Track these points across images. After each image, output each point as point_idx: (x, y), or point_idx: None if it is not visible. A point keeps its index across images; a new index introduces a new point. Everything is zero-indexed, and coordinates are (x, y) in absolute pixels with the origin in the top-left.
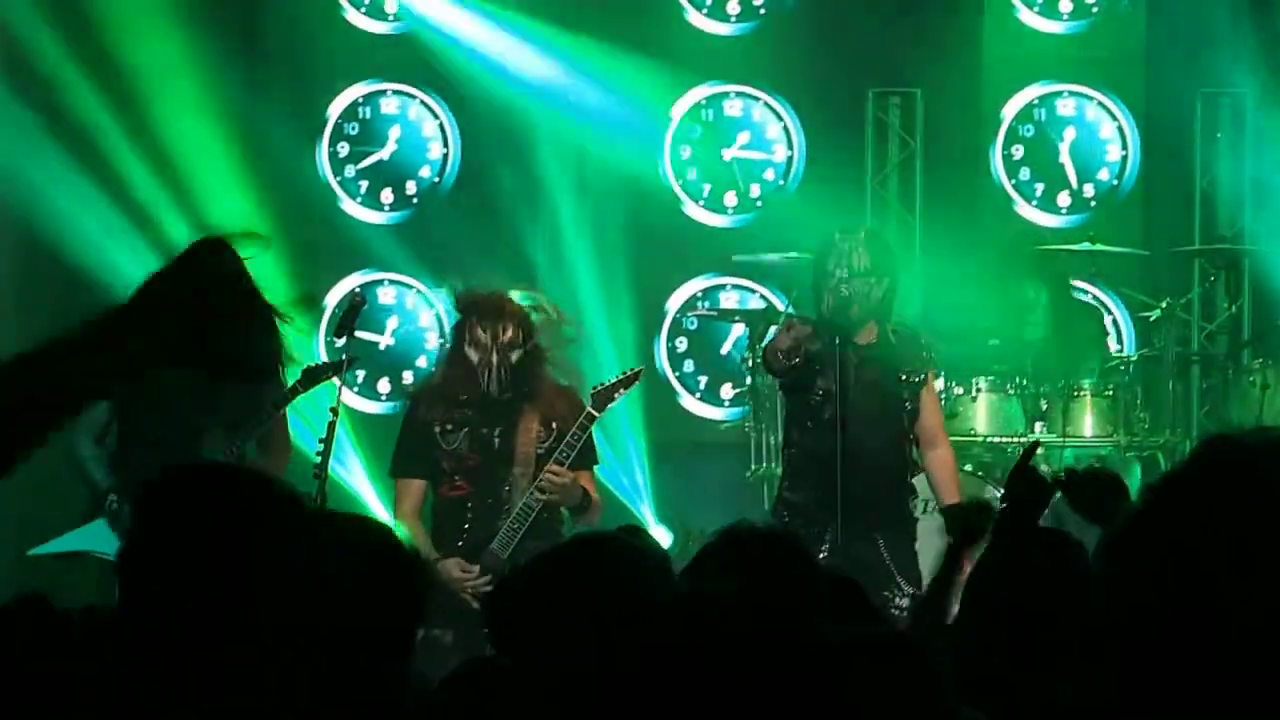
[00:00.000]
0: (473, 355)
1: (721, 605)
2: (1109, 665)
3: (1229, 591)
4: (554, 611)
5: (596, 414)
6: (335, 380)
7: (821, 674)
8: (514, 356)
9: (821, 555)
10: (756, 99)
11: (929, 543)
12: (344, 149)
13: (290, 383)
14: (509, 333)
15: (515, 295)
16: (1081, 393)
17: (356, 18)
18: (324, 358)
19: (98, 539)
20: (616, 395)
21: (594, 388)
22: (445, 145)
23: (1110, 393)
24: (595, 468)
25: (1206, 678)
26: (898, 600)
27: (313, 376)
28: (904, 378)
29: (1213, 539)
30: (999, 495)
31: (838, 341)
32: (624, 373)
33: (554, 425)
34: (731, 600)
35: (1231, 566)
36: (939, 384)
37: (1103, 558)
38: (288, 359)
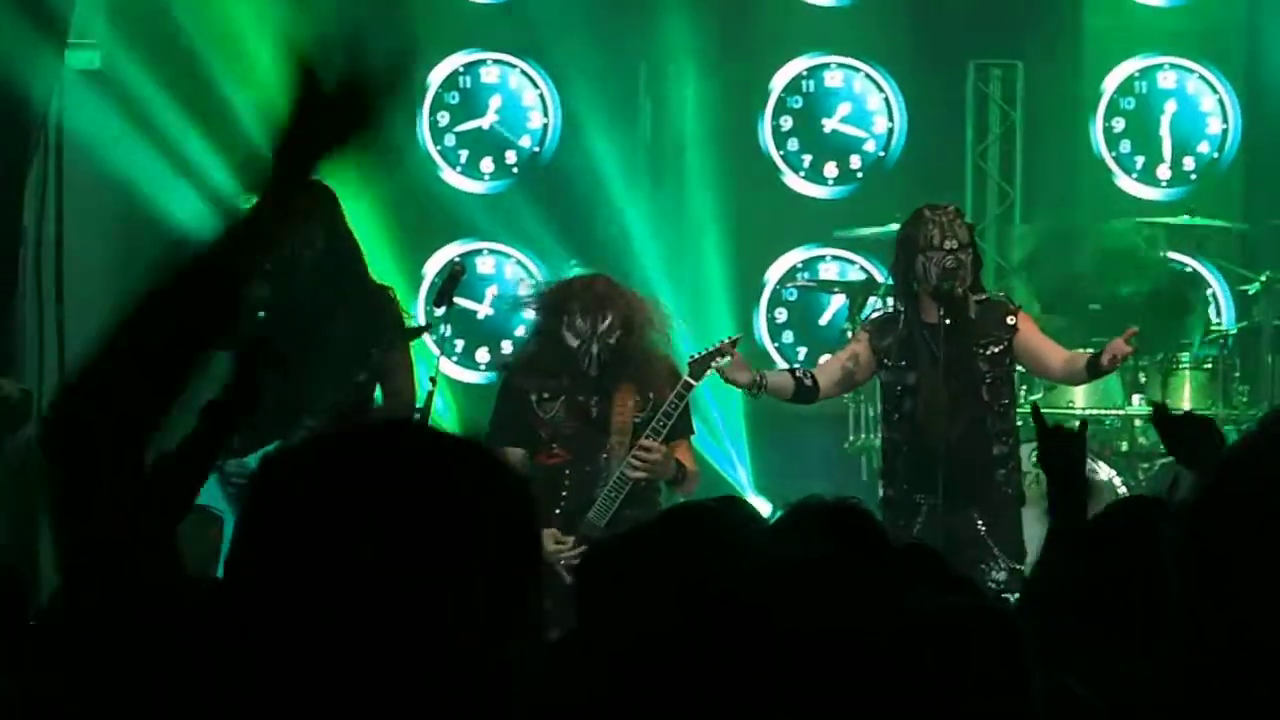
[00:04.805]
0: (571, 341)
1: (798, 572)
2: (1180, 639)
3: None
4: (643, 584)
5: (694, 382)
6: (434, 349)
7: (897, 642)
8: (612, 340)
9: (916, 529)
10: (857, 70)
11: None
12: (444, 118)
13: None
14: (608, 320)
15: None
16: (1180, 366)
17: None
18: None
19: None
20: (714, 363)
21: (691, 356)
22: (545, 115)
23: (1209, 365)
24: (691, 438)
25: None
26: (994, 574)
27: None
28: (980, 349)
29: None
30: (1101, 471)
31: (941, 313)
32: (721, 341)
33: (650, 395)
34: (808, 567)
35: None
36: (1029, 323)
37: (1170, 531)
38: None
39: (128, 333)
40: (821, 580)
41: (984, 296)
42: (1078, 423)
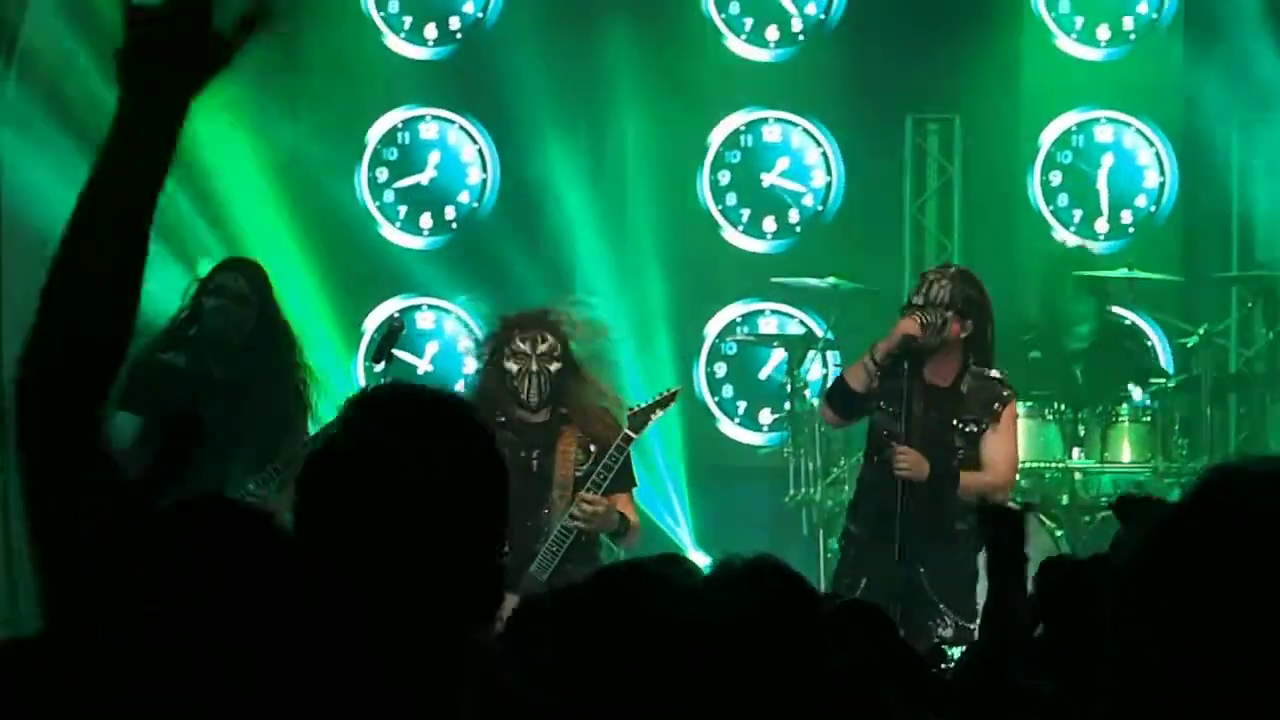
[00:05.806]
0: (511, 366)
1: (717, 633)
2: (1122, 692)
3: (1228, 633)
4: (574, 644)
5: (634, 435)
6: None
7: (814, 697)
8: (553, 368)
9: (862, 584)
10: (795, 125)
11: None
12: (383, 174)
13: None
14: (548, 342)
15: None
16: (1120, 419)
17: (396, 43)
18: (362, 384)
19: None
20: (653, 416)
21: (630, 409)
22: (484, 170)
23: (1148, 419)
24: (633, 490)
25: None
26: (940, 631)
27: None
28: (960, 425)
29: (1209, 579)
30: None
31: (905, 367)
32: (660, 394)
33: (592, 448)
34: (727, 628)
35: (1228, 608)
36: (1009, 417)
37: (1109, 596)
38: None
39: (61, 271)
40: (740, 640)
41: (987, 373)
42: (1018, 503)
